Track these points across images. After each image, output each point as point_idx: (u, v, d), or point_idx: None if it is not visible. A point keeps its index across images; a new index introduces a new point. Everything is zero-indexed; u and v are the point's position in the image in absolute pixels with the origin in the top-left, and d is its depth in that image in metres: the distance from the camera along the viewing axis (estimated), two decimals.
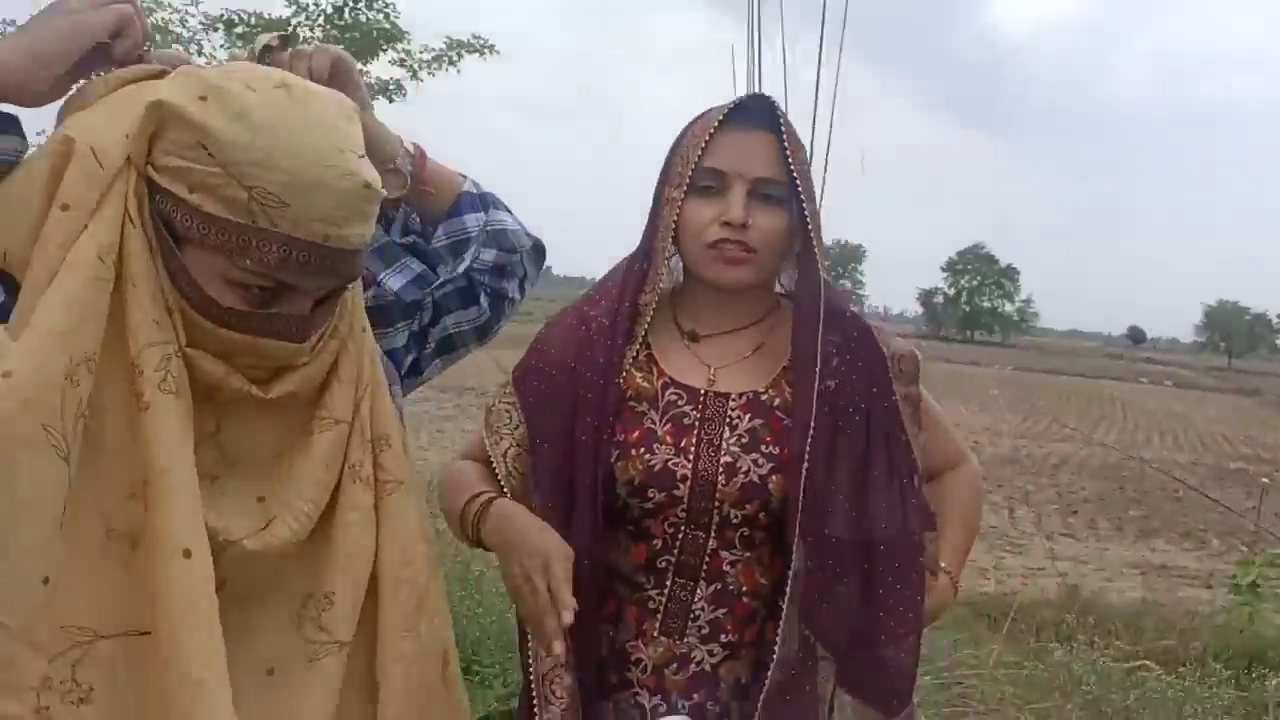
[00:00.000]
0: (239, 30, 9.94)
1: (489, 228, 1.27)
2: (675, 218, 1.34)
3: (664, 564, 1.35)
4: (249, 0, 9.54)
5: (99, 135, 0.94)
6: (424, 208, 1.28)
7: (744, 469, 1.33)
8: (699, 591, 1.34)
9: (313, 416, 1.04)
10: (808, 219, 1.35)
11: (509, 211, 1.34)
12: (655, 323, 1.41)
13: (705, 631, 1.34)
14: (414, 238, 1.29)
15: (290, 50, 1.09)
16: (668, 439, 1.34)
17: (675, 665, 1.34)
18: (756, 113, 1.35)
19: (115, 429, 0.93)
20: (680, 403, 1.37)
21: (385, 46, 10.17)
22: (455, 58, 10.43)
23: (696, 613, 1.34)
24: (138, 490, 0.92)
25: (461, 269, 1.26)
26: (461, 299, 1.31)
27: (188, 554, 0.91)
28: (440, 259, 1.27)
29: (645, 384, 1.38)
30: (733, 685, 1.34)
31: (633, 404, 1.37)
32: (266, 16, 9.93)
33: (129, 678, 0.91)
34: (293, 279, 0.96)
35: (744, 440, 1.34)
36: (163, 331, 0.94)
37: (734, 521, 1.33)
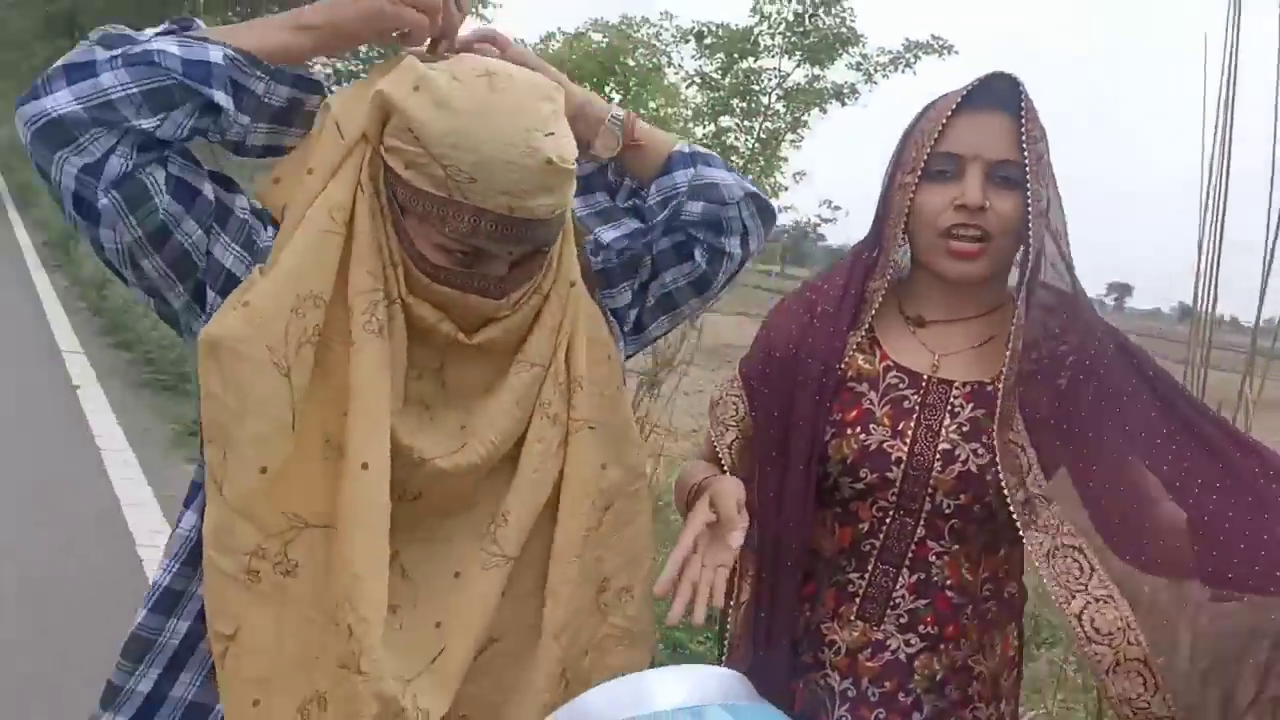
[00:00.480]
0: (708, 41, 10.64)
1: (695, 181, 1.28)
2: (909, 203, 1.29)
3: (868, 548, 1.32)
4: (716, 13, 10.14)
5: (345, 111, 1.08)
6: (638, 168, 1.31)
7: (962, 457, 1.28)
8: (901, 579, 1.31)
9: (513, 360, 1.15)
10: (1029, 204, 1.26)
11: (727, 169, 1.34)
12: (882, 309, 1.37)
13: (904, 620, 1.31)
14: (636, 201, 1.33)
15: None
16: (885, 420, 1.32)
17: (870, 650, 1.32)
18: (996, 92, 1.28)
19: (337, 359, 1.08)
20: (901, 386, 1.32)
21: (841, 51, 10.29)
22: (912, 59, 10.29)
23: (896, 600, 1.31)
24: (346, 408, 1.08)
25: (660, 218, 1.29)
26: (677, 255, 1.32)
27: (365, 466, 1.06)
28: (654, 215, 1.31)
29: (867, 365, 1.34)
30: (929, 679, 1.31)
31: (853, 385, 1.34)
32: (732, 27, 10.50)
33: (324, 562, 1.08)
34: (485, 244, 1.05)
35: (965, 429, 1.29)
36: (374, 281, 1.08)
37: (946, 511, 1.29)
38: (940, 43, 10.09)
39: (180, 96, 1.05)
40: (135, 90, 1.04)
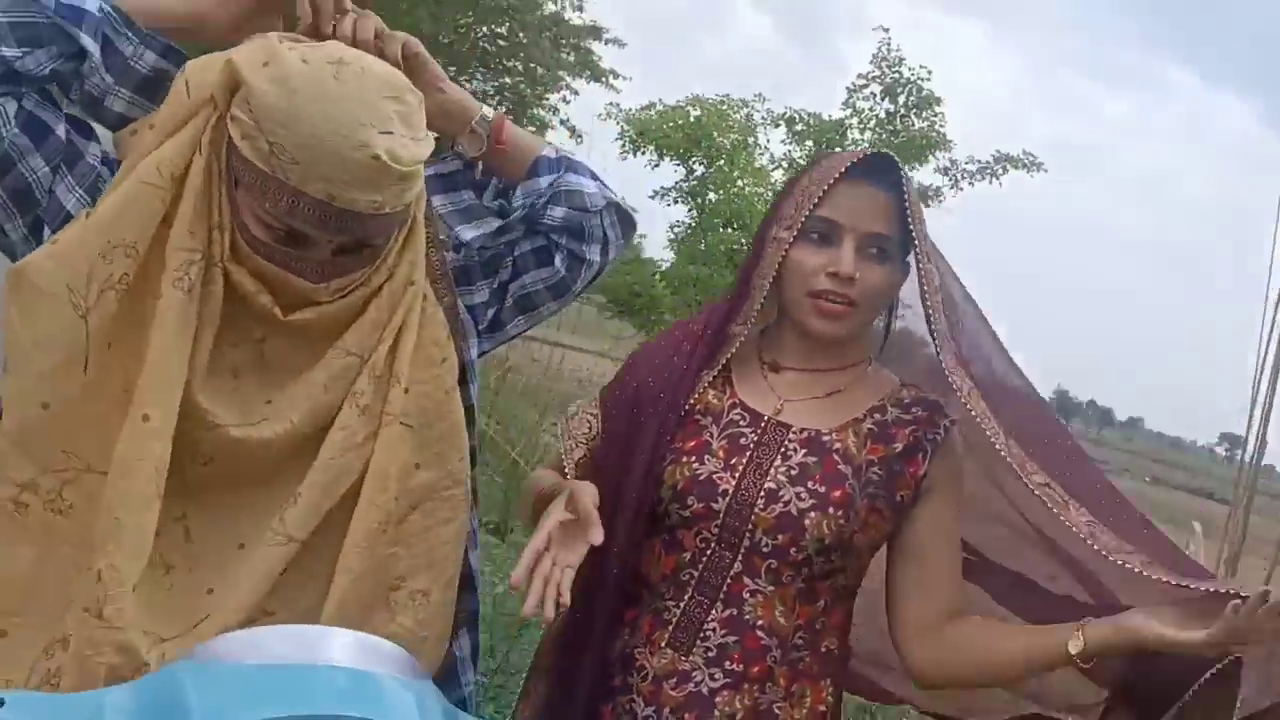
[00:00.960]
0: (798, 128, 10.83)
1: (559, 186, 1.32)
2: (780, 258, 1.36)
3: (687, 577, 1.37)
4: (809, 103, 10.32)
5: (196, 74, 1.11)
6: (505, 169, 1.35)
7: (785, 498, 1.33)
8: (714, 612, 1.35)
9: (330, 346, 1.17)
10: (922, 278, 1.37)
11: (594, 178, 1.38)
12: (740, 353, 1.43)
13: (711, 654, 1.34)
14: (503, 202, 1.37)
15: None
16: (720, 453, 1.37)
17: (675, 680, 1.35)
18: (879, 169, 1.36)
19: (147, 311, 1.10)
20: (742, 424, 1.39)
21: (930, 155, 10.36)
22: (1000, 171, 10.28)
23: (707, 633, 1.35)
24: (140, 358, 1.09)
25: (521, 217, 1.33)
26: (538, 259, 1.37)
27: (146, 418, 1.07)
28: (517, 217, 1.35)
29: (715, 401, 1.40)
30: (728, 716, 1.33)
31: (699, 418, 1.41)
32: (824, 118, 10.67)
33: (91, 512, 1.07)
34: (302, 227, 1.07)
35: (793, 472, 1.35)
36: (194, 241, 1.09)
37: (764, 549, 1.34)
38: (1030, 159, 10.09)
39: (49, 35, 1.08)
40: (3, 20, 1.06)
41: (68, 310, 1.06)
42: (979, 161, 10.28)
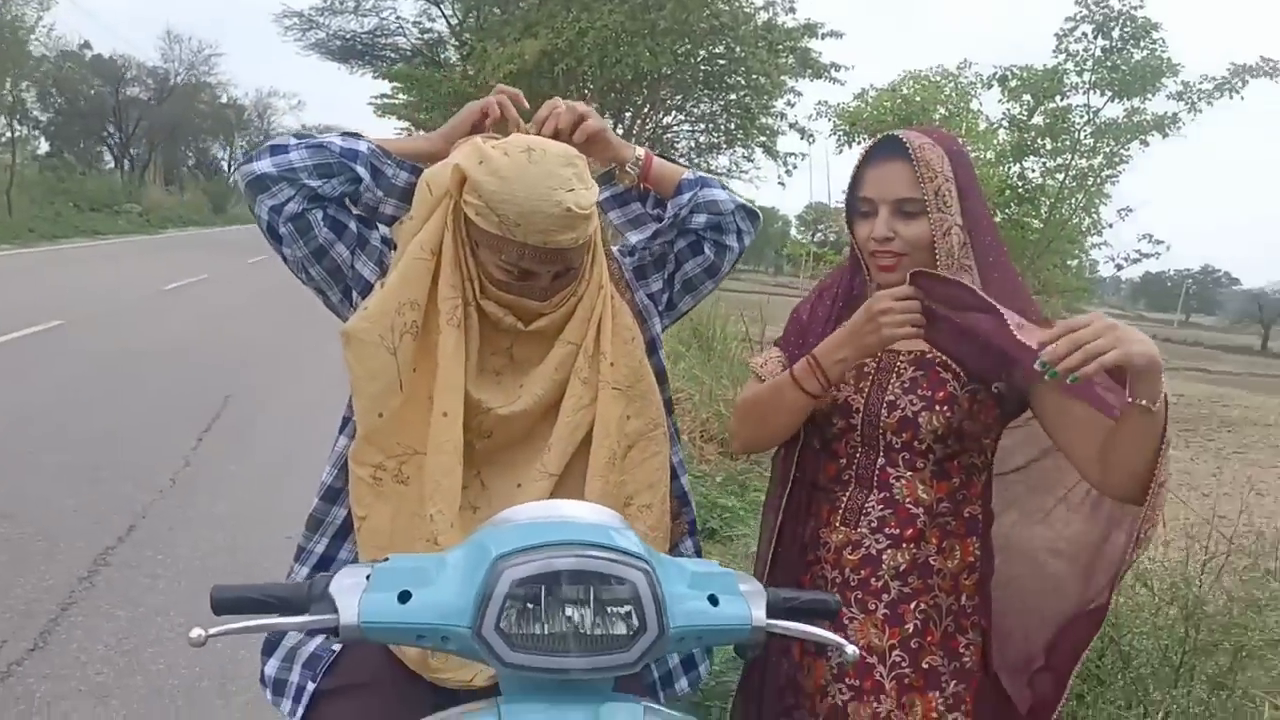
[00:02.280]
0: (1012, 84, 10.71)
1: (698, 199, 1.66)
2: (851, 237, 1.71)
3: (847, 477, 1.69)
4: (1021, 56, 10.16)
5: (435, 176, 1.46)
6: (658, 191, 1.71)
7: (901, 406, 1.63)
8: (871, 496, 1.66)
9: (556, 339, 1.53)
10: (933, 225, 1.59)
11: (722, 188, 1.70)
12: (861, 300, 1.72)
13: (874, 525, 1.65)
14: (660, 210, 1.71)
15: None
16: (850, 381, 1.68)
17: (850, 548, 1.67)
18: (890, 147, 1.62)
19: (433, 343, 1.45)
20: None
21: (1158, 83, 9.93)
22: (1240, 84, 9.70)
23: (868, 510, 1.66)
24: (435, 375, 1.46)
25: (672, 224, 1.66)
26: (692, 251, 1.70)
27: (445, 414, 1.43)
28: (669, 225, 1.69)
29: None
30: (893, 569, 1.64)
31: None
32: (1037, 69, 10.50)
33: (421, 479, 1.45)
34: (530, 266, 1.42)
35: (905, 385, 1.64)
36: (453, 291, 1.44)
37: (895, 446, 1.64)
38: (1271, 64, 9.46)
39: (337, 169, 1.49)
40: (310, 163, 1.48)
41: (383, 352, 1.43)
42: (1215, 79, 9.76)
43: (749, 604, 1.14)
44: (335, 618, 1.04)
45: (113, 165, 46.59)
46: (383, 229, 1.59)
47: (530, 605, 1.00)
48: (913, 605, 1.63)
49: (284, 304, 14.89)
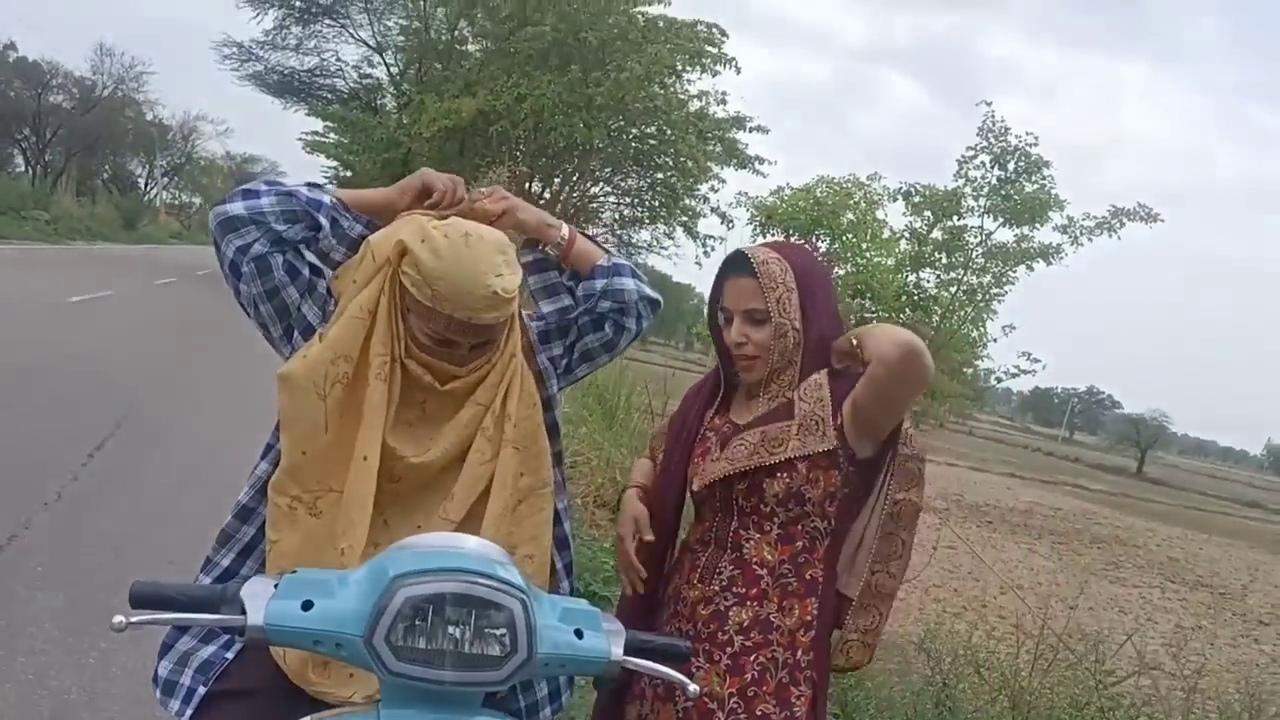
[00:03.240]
0: (915, 200, 11.46)
1: (608, 287, 1.82)
2: (719, 340, 1.97)
3: (708, 538, 1.89)
4: (933, 175, 10.86)
5: (379, 244, 1.58)
6: (576, 267, 1.87)
7: (749, 473, 1.84)
8: (725, 556, 1.86)
9: (467, 400, 1.64)
10: (774, 329, 1.85)
11: (633, 276, 1.85)
12: (731, 391, 2.02)
13: (724, 584, 1.84)
14: (571, 283, 1.88)
15: (480, 193, 1.79)
16: (716, 453, 1.89)
17: (704, 604, 1.85)
18: (740, 263, 1.87)
19: (360, 394, 1.56)
20: (726, 430, 1.93)
21: (1046, 215, 10.74)
22: (1119, 224, 10.58)
23: (720, 569, 1.85)
24: (359, 423, 1.56)
25: (582, 307, 1.85)
26: (594, 326, 1.85)
27: (365, 459, 1.54)
28: (579, 302, 1.87)
29: (718, 421, 1.97)
30: (738, 624, 1.81)
31: (708, 434, 1.96)
32: (939, 189, 11.26)
33: (335, 515, 1.55)
34: (453, 336, 1.55)
35: (748, 450, 1.85)
36: (384, 349, 1.56)
37: (746, 510, 1.85)
38: (1146, 211, 10.35)
39: (301, 216, 1.61)
40: (279, 209, 1.60)
41: (314, 397, 1.55)
42: (1096, 218, 10.62)
43: (610, 641, 1.27)
44: (243, 619, 1.16)
45: (24, 169, 45.11)
46: (327, 275, 1.70)
47: (418, 622, 1.13)
48: (752, 658, 1.78)
49: (187, 329, 14.78)
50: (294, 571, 1.24)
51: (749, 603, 1.81)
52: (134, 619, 1.15)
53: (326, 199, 1.67)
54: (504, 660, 1.16)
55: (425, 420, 1.64)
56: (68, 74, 45.26)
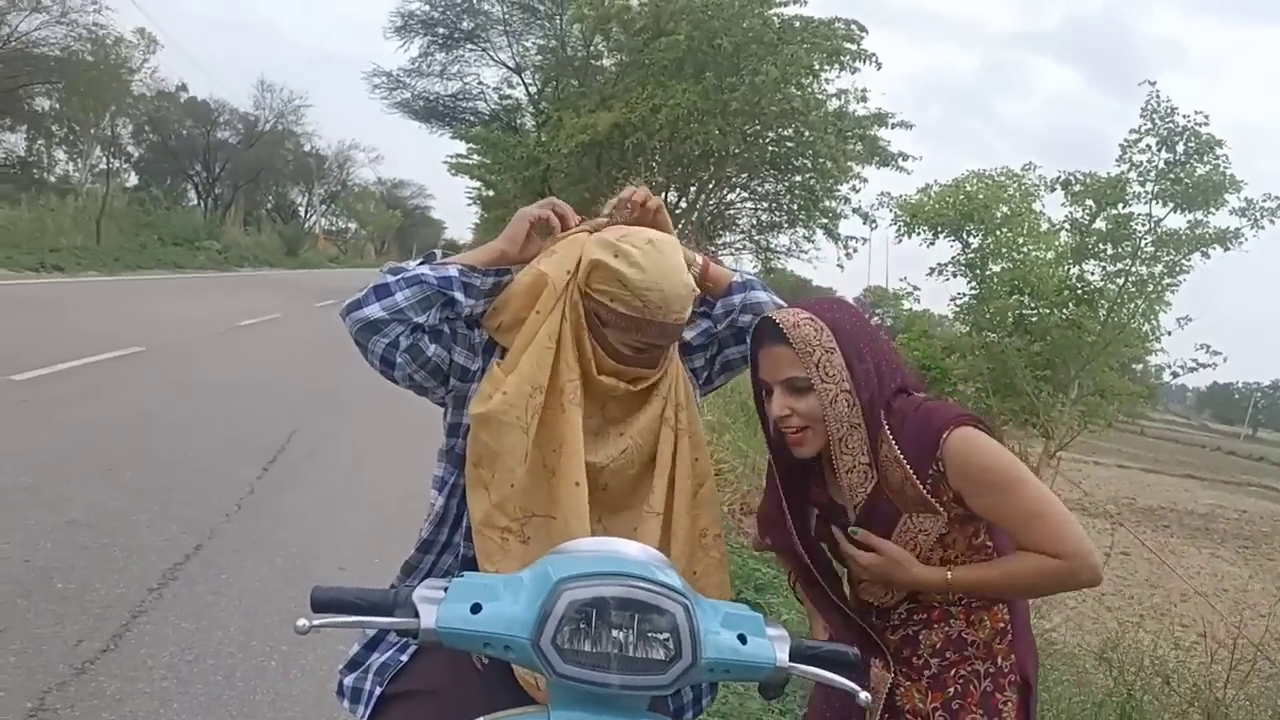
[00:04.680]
0: (1075, 189, 10.92)
1: (745, 301, 1.87)
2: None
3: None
4: (1088, 165, 10.35)
5: (555, 271, 1.65)
6: (711, 289, 1.88)
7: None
8: (894, 594, 1.84)
9: (652, 393, 1.70)
10: (820, 397, 1.69)
11: (765, 290, 1.89)
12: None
13: (903, 617, 1.84)
14: (705, 308, 1.91)
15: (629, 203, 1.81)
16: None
17: (890, 630, 1.85)
18: (771, 331, 1.73)
19: (553, 419, 1.62)
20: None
21: (1220, 198, 10.07)
22: None
23: (897, 606, 1.84)
24: (558, 449, 1.61)
25: (724, 324, 1.89)
26: (735, 339, 1.90)
27: (576, 484, 1.59)
28: (719, 319, 1.90)
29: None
30: (931, 646, 1.81)
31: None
32: (1101, 176, 10.70)
33: (545, 538, 1.58)
34: (658, 340, 1.63)
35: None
36: (573, 371, 1.62)
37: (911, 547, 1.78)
38: None
39: (435, 298, 1.66)
40: (414, 300, 1.64)
41: (518, 431, 1.61)
42: (1276, 197, 9.86)
43: (774, 646, 1.25)
44: (416, 622, 1.19)
45: (196, 202, 48.33)
46: (476, 334, 1.74)
47: (583, 625, 1.14)
48: (952, 673, 1.77)
49: (349, 347, 15.40)
50: (461, 575, 1.26)
51: (935, 625, 1.80)
52: (316, 622, 1.20)
53: (453, 270, 1.69)
54: (669, 664, 1.16)
55: (608, 423, 1.70)
56: (233, 111, 48.26)
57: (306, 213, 64.25)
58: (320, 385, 10.27)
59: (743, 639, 1.24)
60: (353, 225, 76.10)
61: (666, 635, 1.16)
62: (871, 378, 1.71)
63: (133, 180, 46.85)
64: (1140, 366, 13.01)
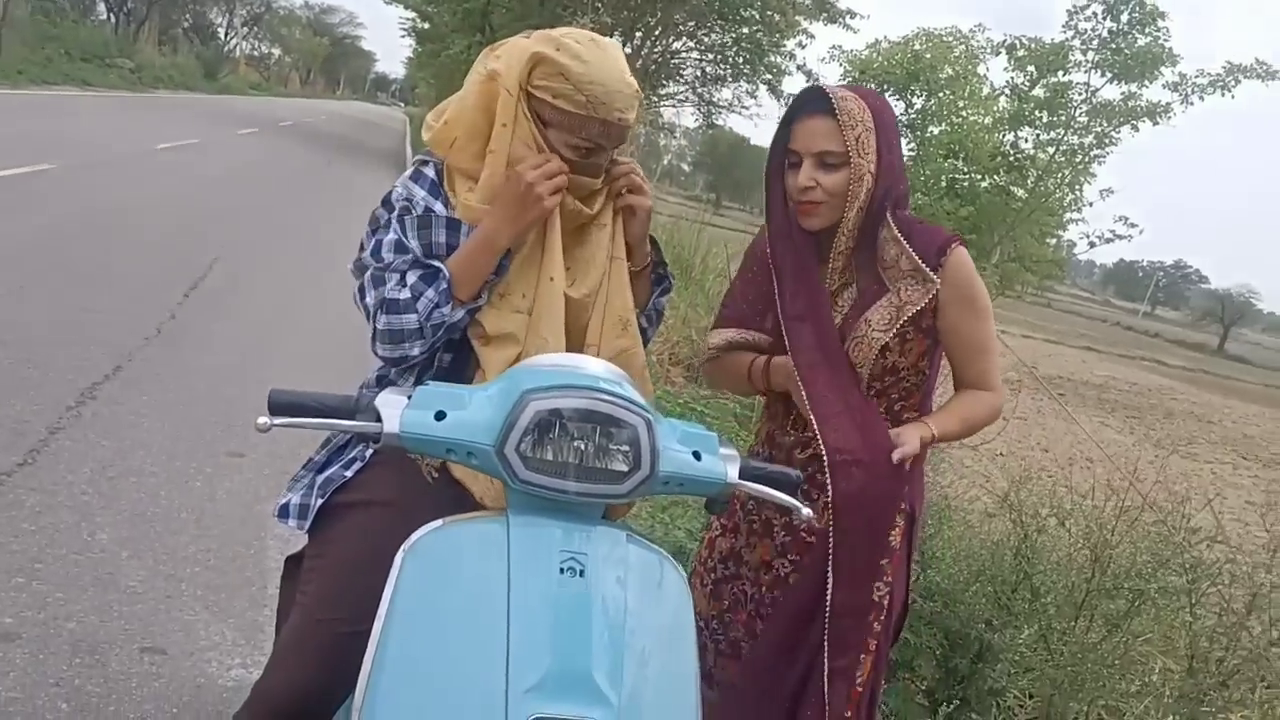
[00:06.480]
0: (1019, 54, 10.86)
1: (653, 310, 1.85)
2: (782, 186, 1.87)
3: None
4: (1029, 28, 10.31)
5: (507, 75, 1.56)
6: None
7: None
8: None
9: (593, 225, 1.68)
10: (851, 171, 1.76)
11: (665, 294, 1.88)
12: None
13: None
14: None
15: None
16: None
17: (799, 448, 1.91)
18: (815, 101, 1.78)
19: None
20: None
21: (1158, 71, 10.12)
22: (1233, 82, 9.92)
23: None
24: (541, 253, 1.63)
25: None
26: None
27: (551, 279, 1.60)
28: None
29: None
30: None
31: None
32: (1045, 42, 10.65)
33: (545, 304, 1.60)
34: (601, 141, 1.58)
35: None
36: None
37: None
38: (1265, 68, 9.65)
39: (438, 336, 1.60)
40: (420, 348, 1.59)
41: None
42: (1210, 75, 9.95)
43: (725, 465, 1.31)
44: (379, 426, 1.20)
45: (106, 16, 45.27)
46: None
47: (546, 435, 1.17)
48: None
49: (273, 176, 14.96)
50: (425, 384, 1.27)
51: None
52: (276, 421, 1.20)
53: (458, 314, 1.61)
54: (627, 476, 1.19)
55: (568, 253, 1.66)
56: None
57: (227, 35, 60.77)
58: (244, 213, 9.99)
59: (697, 456, 1.29)
60: (276, 51, 72.32)
61: (627, 448, 1.19)
62: (894, 171, 1.79)
63: None
64: (1054, 241, 13.31)
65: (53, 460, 3.51)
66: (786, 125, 1.81)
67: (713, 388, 2.19)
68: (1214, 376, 34.36)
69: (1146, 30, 9.99)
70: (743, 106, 22.93)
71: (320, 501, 1.65)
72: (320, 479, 1.68)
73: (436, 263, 1.59)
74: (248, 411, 4.28)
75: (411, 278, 1.57)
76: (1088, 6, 10.20)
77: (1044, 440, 10.85)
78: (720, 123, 23.78)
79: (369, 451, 1.64)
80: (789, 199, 1.84)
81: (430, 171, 1.65)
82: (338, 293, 6.32)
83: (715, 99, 23.05)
